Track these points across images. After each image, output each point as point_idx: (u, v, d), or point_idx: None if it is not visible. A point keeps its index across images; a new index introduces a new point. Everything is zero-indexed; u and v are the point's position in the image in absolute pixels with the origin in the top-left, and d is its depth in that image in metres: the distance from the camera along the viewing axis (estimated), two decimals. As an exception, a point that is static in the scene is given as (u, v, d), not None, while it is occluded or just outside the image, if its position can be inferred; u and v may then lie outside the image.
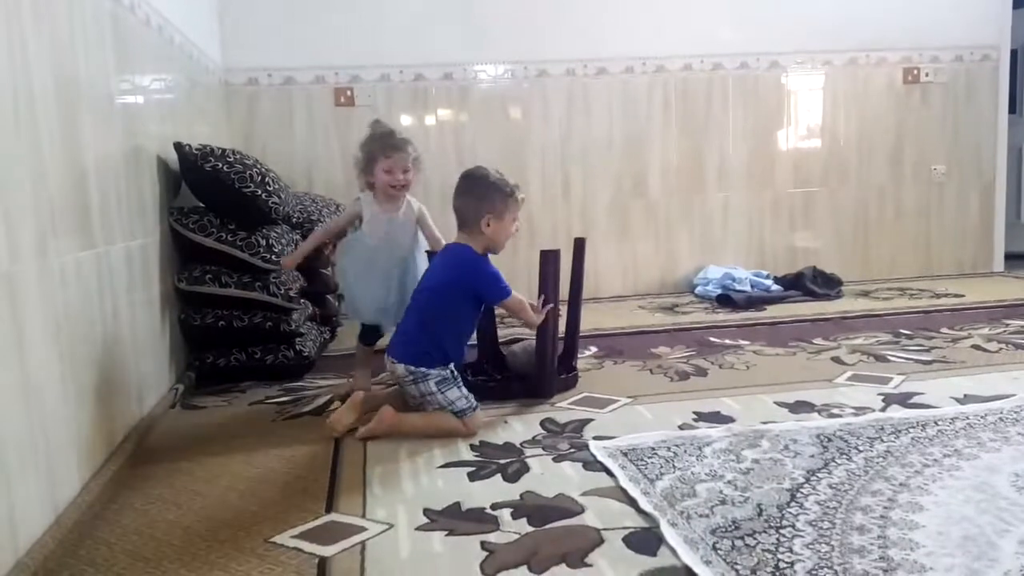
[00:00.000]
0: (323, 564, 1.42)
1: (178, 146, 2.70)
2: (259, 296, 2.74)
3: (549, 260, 2.46)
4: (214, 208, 2.78)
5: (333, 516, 1.64)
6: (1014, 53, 5.09)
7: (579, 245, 2.68)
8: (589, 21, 4.44)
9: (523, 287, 4.21)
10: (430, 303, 2.26)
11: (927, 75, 4.79)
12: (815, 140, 4.77)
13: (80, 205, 1.92)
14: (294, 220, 3.13)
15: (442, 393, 2.18)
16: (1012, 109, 5.12)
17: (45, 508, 1.57)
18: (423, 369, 2.19)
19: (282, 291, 2.78)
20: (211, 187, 2.74)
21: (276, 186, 2.83)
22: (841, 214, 4.81)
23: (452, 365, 2.24)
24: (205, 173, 2.69)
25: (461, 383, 2.23)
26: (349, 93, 4.27)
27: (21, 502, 1.47)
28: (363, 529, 1.56)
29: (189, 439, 2.22)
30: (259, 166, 2.81)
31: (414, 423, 2.17)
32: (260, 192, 2.73)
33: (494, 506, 1.63)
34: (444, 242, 2.54)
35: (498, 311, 2.60)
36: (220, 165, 2.69)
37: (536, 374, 2.48)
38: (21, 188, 1.58)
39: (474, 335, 2.47)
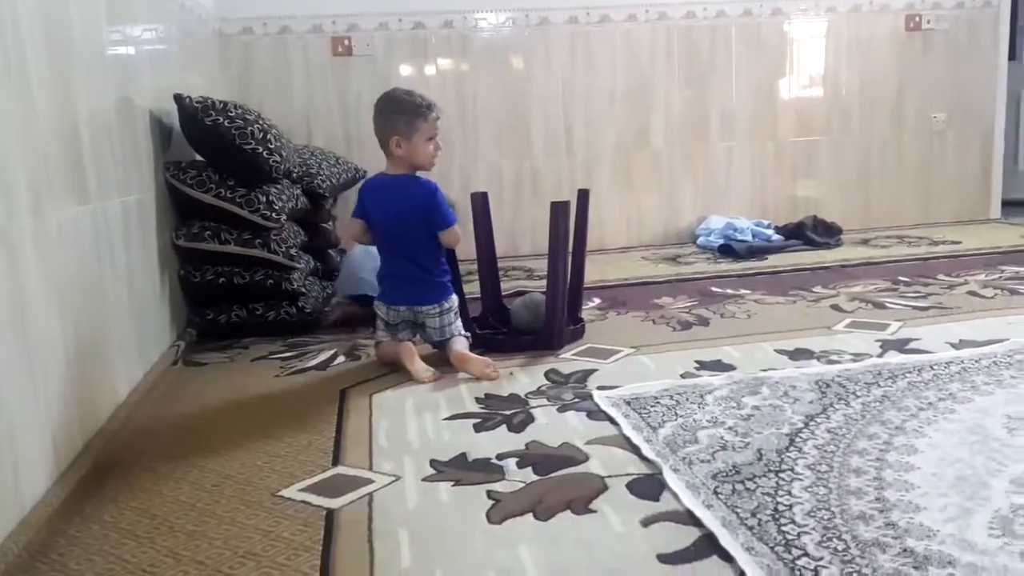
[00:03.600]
0: (331, 516, 1.44)
1: (178, 98, 2.67)
2: (260, 253, 2.73)
3: (559, 212, 2.45)
4: (213, 163, 2.76)
5: (340, 469, 1.66)
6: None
7: (583, 197, 2.67)
8: (590, -32, 4.37)
9: (526, 238, 4.28)
10: (420, 240, 2.36)
11: (929, 22, 4.72)
12: (817, 89, 4.73)
13: (74, 160, 1.91)
14: (294, 175, 3.11)
15: (458, 319, 2.41)
16: (1012, 56, 5.07)
17: (48, 466, 1.58)
18: (449, 300, 2.39)
19: (283, 248, 2.77)
20: (211, 142, 2.72)
21: (278, 143, 2.79)
22: (843, 163, 4.79)
23: None
24: (205, 127, 2.67)
25: None
26: (347, 42, 4.21)
27: (24, 461, 1.48)
28: (370, 481, 1.58)
29: (192, 395, 2.24)
30: (261, 121, 2.78)
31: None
32: (261, 150, 2.70)
33: (500, 456, 1.66)
34: None
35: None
36: (221, 120, 2.66)
37: (545, 326, 2.48)
38: (13, 142, 1.57)
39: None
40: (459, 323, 2.42)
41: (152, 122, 2.63)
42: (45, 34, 1.78)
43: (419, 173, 2.39)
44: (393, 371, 2.31)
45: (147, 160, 2.55)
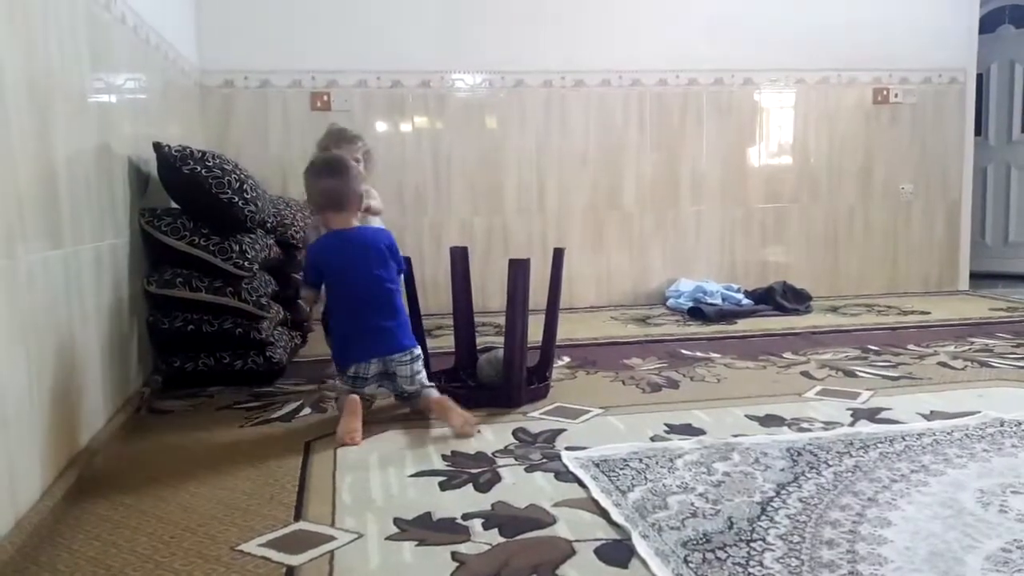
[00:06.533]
0: (291, 573, 1.40)
1: (157, 146, 2.67)
2: (230, 302, 2.70)
3: (518, 270, 2.46)
4: (188, 211, 2.75)
5: (301, 524, 1.62)
6: (979, 77, 5.19)
7: (558, 255, 2.67)
8: (567, 33, 4.47)
9: (496, 294, 4.29)
10: (389, 288, 2.36)
11: (896, 96, 4.87)
12: (786, 157, 4.83)
13: (50, 203, 1.89)
14: (268, 225, 3.10)
15: (423, 369, 2.39)
16: (978, 131, 5.22)
17: (5, 512, 1.53)
18: (416, 347, 2.39)
19: (254, 298, 2.74)
20: (187, 190, 2.71)
21: (254, 194, 2.78)
22: (811, 230, 4.87)
23: None
24: (183, 175, 2.66)
25: None
26: (326, 98, 4.26)
27: (-19, 505, 1.44)
28: (332, 538, 1.54)
29: (154, 444, 2.19)
30: (238, 172, 2.77)
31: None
32: (237, 199, 2.69)
33: (465, 516, 1.63)
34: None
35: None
36: (198, 168, 2.66)
37: (503, 383, 2.47)
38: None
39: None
40: (425, 373, 2.40)
41: (130, 169, 2.63)
42: (27, 78, 1.78)
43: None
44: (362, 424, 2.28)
45: (123, 206, 2.54)
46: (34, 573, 1.44)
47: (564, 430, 2.21)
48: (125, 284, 2.51)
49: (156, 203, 2.82)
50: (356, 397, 2.26)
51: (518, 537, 1.52)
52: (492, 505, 1.68)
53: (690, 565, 1.37)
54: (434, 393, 2.33)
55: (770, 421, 2.25)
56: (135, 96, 2.82)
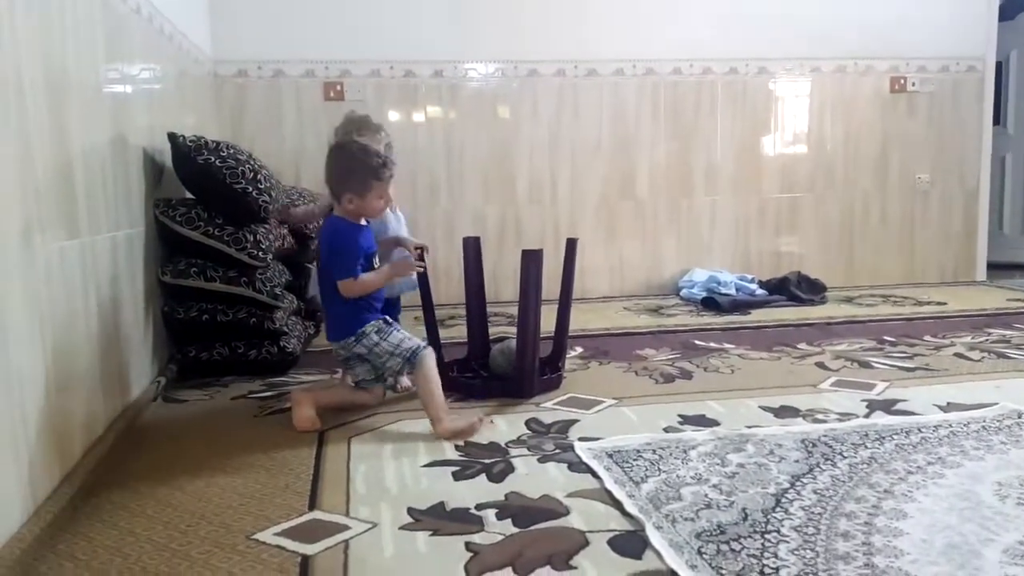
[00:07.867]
0: (306, 562, 1.41)
1: (172, 136, 2.68)
2: (244, 292, 2.71)
3: (531, 260, 2.45)
4: (203, 201, 2.75)
5: (316, 514, 1.63)
6: (999, 65, 5.13)
7: (571, 246, 2.66)
8: (580, 22, 4.44)
9: (509, 284, 4.28)
10: (323, 278, 2.31)
11: (913, 84, 4.82)
12: (802, 146, 4.79)
13: (66, 194, 1.90)
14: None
15: (385, 340, 2.24)
16: (996, 120, 5.16)
17: (24, 501, 1.55)
18: (357, 333, 2.25)
19: (268, 288, 2.75)
20: (202, 180, 2.71)
21: (268, 184, 2.80)
22: (826, 220, 4.84)
23: (385, 317, 2.31)
24: (197, 166, 2.67)
25: (400, 328, 2.30)
26: (339, 87, 4.25)
27: (0, 496, 1.45)
28: (346, 528, 1.55)
29: (170, 434, 2.20)
30: (252, 162, 2.78)
31: (327, 396, 2.35)
32: (251, 189, 2.70)
33: (479, 506, 1.63)
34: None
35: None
36: (212, 159, 2.66)
37: (516, 373, 2.47)
38: (6, 175, 1.56)
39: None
40: (395, 337, 2.23)
41: (145, 159, 2.63)
42: (43, 70, 1.78)
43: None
44: (373, 414, 2.29)
45: (138, 196, 2.54)
46: (53, 561, 1.45)
47: (577, 421, 2.21)
48: (140, 274, 2.52)
49: (171, 193, 2.83)
50: (295, 391, 2.33)
51: (532, 528, 1.52)
52: (506, 495, 1.68)
53: (704, 556, 1.37)
54: (437, 412, 2.14)
55: (785, 412, 2.24)
56: (150, 87, 2.83)
